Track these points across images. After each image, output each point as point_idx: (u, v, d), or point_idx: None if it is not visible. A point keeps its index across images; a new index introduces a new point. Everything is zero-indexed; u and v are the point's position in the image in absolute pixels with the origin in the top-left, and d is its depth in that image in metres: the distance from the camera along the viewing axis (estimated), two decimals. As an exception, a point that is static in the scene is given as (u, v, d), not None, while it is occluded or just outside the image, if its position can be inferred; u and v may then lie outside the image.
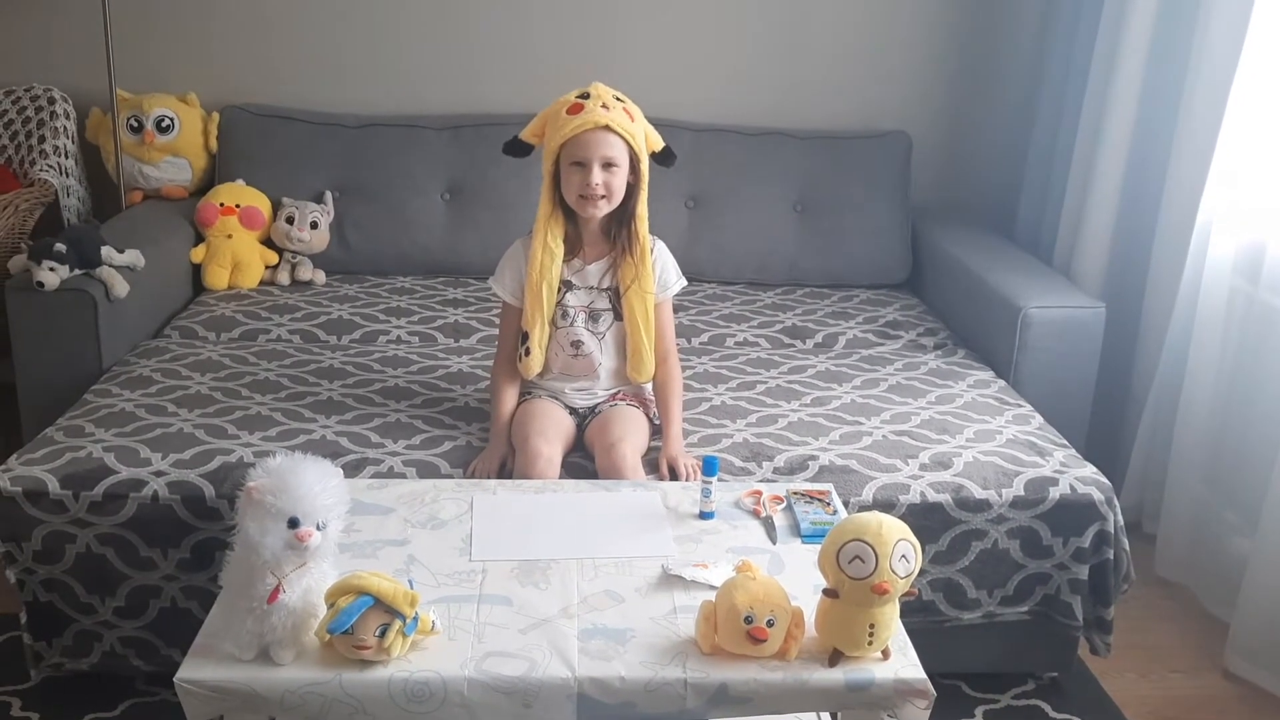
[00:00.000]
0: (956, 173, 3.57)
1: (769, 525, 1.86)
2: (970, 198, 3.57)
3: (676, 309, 2.99)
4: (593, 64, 3.41)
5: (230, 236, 3.09)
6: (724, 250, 3.28)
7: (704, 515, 1.88)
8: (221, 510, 2.04)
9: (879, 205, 3.32)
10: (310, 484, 1.43)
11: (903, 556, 1.47)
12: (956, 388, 2.59)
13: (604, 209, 2.13)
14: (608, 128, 2.07)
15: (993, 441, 2.31)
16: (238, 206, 3.12)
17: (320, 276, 3.16)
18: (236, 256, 3.08)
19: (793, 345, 2.89)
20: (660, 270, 2.23)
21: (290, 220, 3.14)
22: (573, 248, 2.20)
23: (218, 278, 3.07)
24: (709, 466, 1.87)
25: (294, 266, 3.15)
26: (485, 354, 2.68)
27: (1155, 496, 2.80)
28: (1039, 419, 2.45)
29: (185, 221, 3.13)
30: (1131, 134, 2.86)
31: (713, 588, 1.64)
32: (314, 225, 3.14)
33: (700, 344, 2.86)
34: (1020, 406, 2.51)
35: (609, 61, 3.43)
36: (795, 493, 1.96)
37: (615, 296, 2.21)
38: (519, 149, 2.20)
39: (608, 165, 2.09)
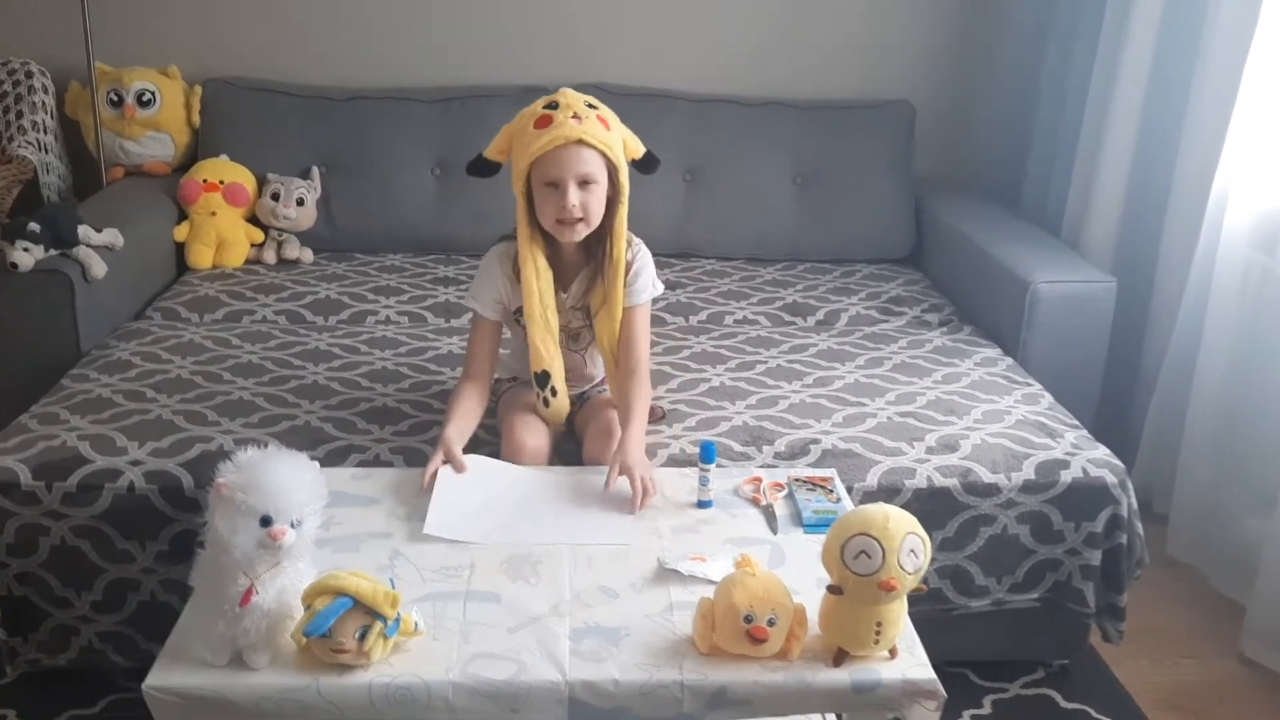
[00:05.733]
0: (961, 143, 3.48)
1: (769, 514, 1.79)
2: (975, 168, 3.48)
3: (673, 285, 2.91)
4: (586, 34, 3.32)
5: (214, 214, 3.00)
6: (722, 225, 3.19)
7: (701, 504, 1.81)
8: (200, 501, 1.94)
9: (881, 177, 3.23)
10: (283, 479, 1.35)
11: (911, 551, 1.40)
12: (963, 366, 2.51)
13: (583, 232, 1.94)
14: (581, 141, 1.87)
15: (1001, 422, 2.23)
16: (221, 183, 3.03)
17: (307, 255, 3.07)
18: (221, 235, 3.00)
19: (793, 323, 2.80)
20: (633, 275, 2.03)
21: (276, 197, 3.05)
22: (553, 270, 2.01)
23: (201, 256, 2.98)
24: (706, 453, 1.79)
25: (280, 245, 3.06)
26: (476, 334, 2.60)
27: (1167, 476, 2.73)
28: (1048, 398, 2.37)
29: (168, 199, 3.05)
30: (1143, 99, 2.76)
31: (711, 582, 1.57)
32: (300, 202, 3.05)
33: (698, 323, 2.78)
34: (1029, 385, 2.43)
35: (603, 30, 3.33)
36: (796, 479, 1.88)
37: (589, 314, 2.07)
38: (484, 168, 2.01)
39: (584, 183, 1.90)
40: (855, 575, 1.39)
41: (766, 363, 2.50)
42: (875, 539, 1.38)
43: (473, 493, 1.80)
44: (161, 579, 2.00)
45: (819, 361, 2.52)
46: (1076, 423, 2.28)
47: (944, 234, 3.15)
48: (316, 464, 1.43)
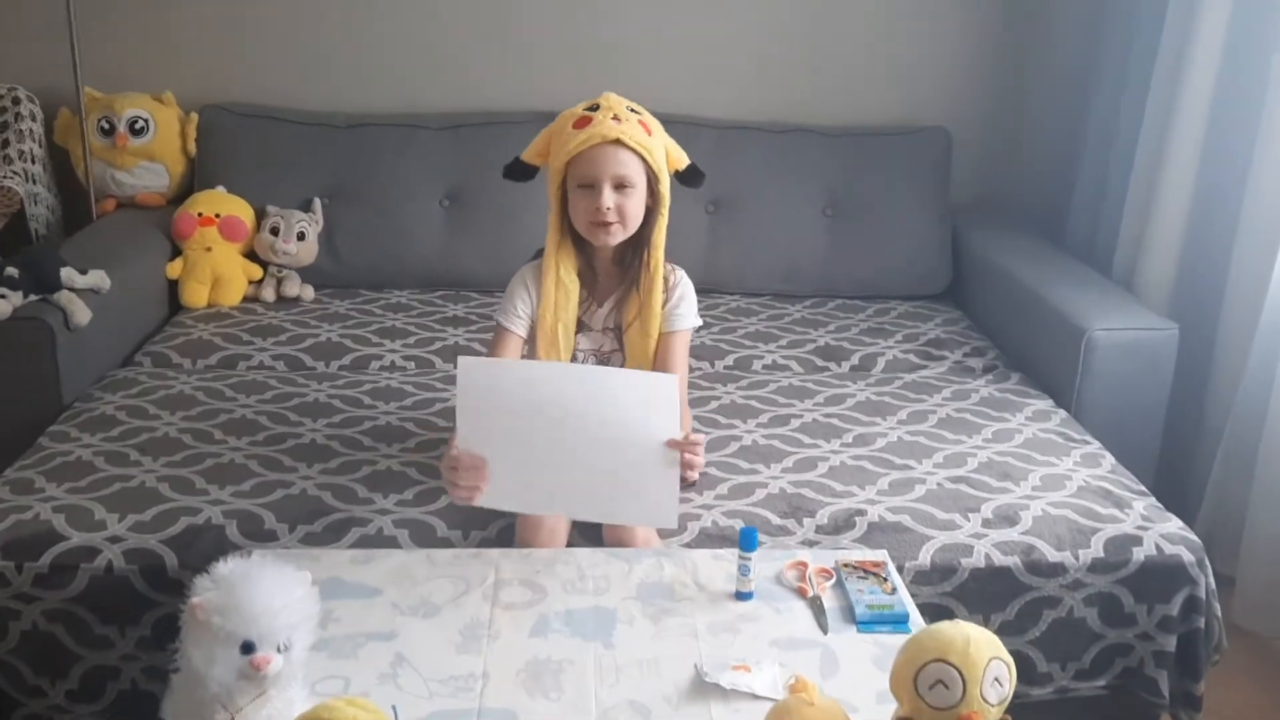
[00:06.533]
0: (1000, 172, 3.29)
1: (817, 608, 1.60)
2: (1016, 199, 3.29)
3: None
4: (605, 56, 3.15)
5: (209, 249, 2.83)
6: (748, 259, 3.01)
7: (740, 596, 1.62)
8: (185, 582, 1.75)
9: (916, 208, 3.05)
10: (268, 599, 1.17)
11: (995, 680, 1.20)
12: (1014, 421, 2.32)
13: (618, 236, 1.83)
14: (619, 142, 1.77)
15: (1062, 490, 2.04)
16: (217, 216, 2.86)
17: (308, 292, 2.90)
18: (216, 271, 2.82)
19: (827, 368, 2.61)
20: (676, 298, 1.92)
21: (275, 231, 2.87)
22: (586, 283, 1.91)
23: (196, 295, 2.81)
24: (747, 540, 1.60)
25: (279, 281, 2.88)
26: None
27: (1233, 533, 2.52)
28: (1110, 459, 2.18)
29: (161, 233, 2.87)
30: (1206, 125, 2.55)
31: (757, 697, 1.38)
32: (301, 236, 2.88)
33: (725, 369, 2.59)
34: (1088, 444, 2.24)
35: (622, 53, 3.16)
36: (845, 565, 1.69)
37: (622, 335, 1.94)
38: (521, 172, 1.91)
39: (620, 186, 1.79)
40: (931, 708, 1.20)
41: (801, 417, 2.32)
42: (954, 667, 1.19)
43: (501, 399, 1.65)
44: (143, 666, 1.82)
45: (858, 415, 2.33)
46: (1143, 488, 2.09)
47: (984, 269, 2.96)
48: (307, 576, 1.24)
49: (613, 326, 1.93)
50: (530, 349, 1.92)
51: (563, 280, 1.86)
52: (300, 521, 1.87)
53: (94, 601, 1.79)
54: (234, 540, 1.82)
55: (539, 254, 1.94)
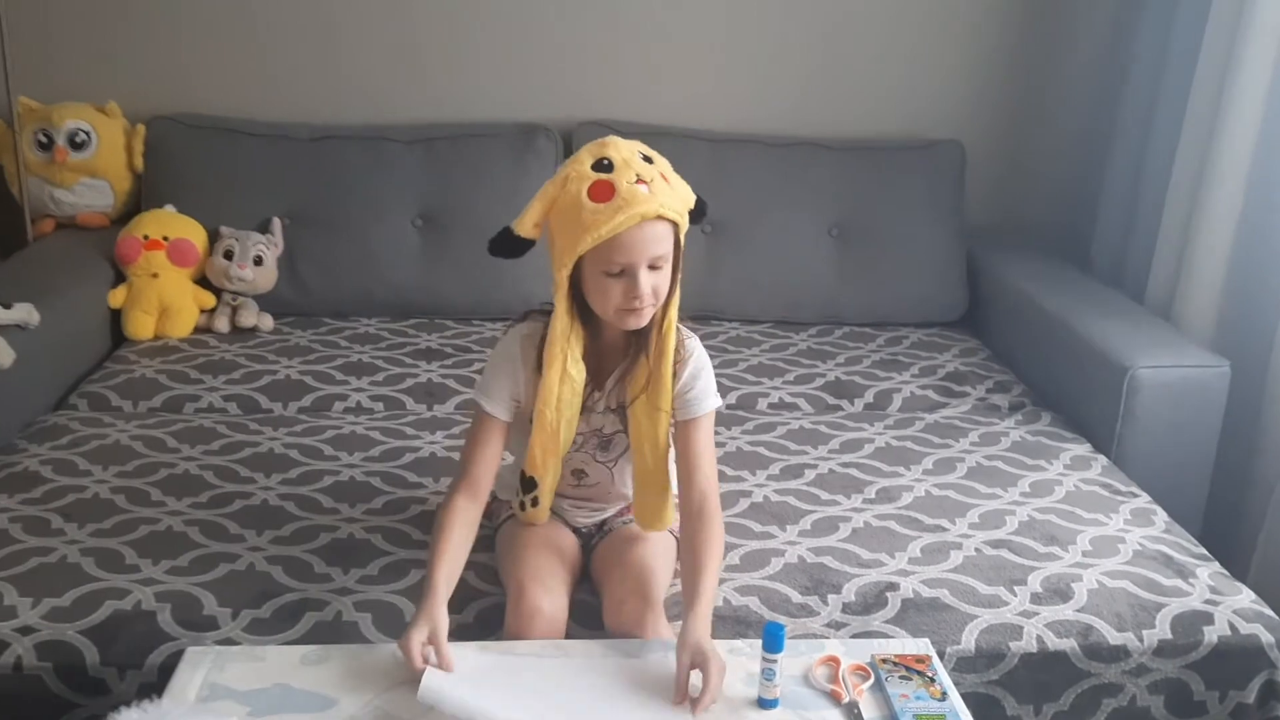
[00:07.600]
0: (1019, 189, 3.07)
1: (854, 718, 1.35)
2: (1036, 218, 3.06)
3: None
4: (588, 61, 2.92)
5: (156, 276, 2.57)
6: (748, 283, 2.77)
7: (764, 704, 1.37)
8: (108, 681, 1.53)
9: (929, 228, 2.83)
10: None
11: None
12: (1052, 470, 2.09)
13: (649, 315, 1.53)
14: (659, 216, 1.47)
15: (1116, 555, 1.81)
16: (165, 239, 2.60)
17: (266, 321, 2.64)
18: (164, 300, 2.56)
19: (839, 407, 2.38)
20: (690, 374, 1.61)
21: (229, 255, 2.61)
22: (592, 364, 1.60)
23: (141, 326, 2.55)
24: (772, 639, 1.35)
25: (234, 310, 2.62)
26: (464, 428, 2.15)
27: (1285, 592, 2.30)
28: (1162, 515, 1.96)
29: (103, 257, 2.62)
30: (1257, 139, 2.32)
31: (791, 846, 1.13)
32: (258, 261, 2.62)
33: (728, 408, 2.34)
34: (1136, 496, 2.01)
35: (609, 58, 2.92)
36: (884, 660, 1.45)
37: (625, 413, 1.64)
38: (513, 248, 1.56)
39: (655, 263, 1.49)
40: None
41: (816, 466, 2.08)
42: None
43: (474, 676, 1.39)
44: (60, 775, 1.56)
45: (879, 465, 2.09)
46: (1204, 551, 1.87)
47: (1003, 295, 2.74)
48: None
49: (615, 407, 1.64)
50: (518, 434, 1.64)
51: (569, 373, 1.55)
52: (246, 605, 1.61)
53: (1, 706, 1.52)
54: (166, 629, 1.56)
55: (525, 316, 1.64)
